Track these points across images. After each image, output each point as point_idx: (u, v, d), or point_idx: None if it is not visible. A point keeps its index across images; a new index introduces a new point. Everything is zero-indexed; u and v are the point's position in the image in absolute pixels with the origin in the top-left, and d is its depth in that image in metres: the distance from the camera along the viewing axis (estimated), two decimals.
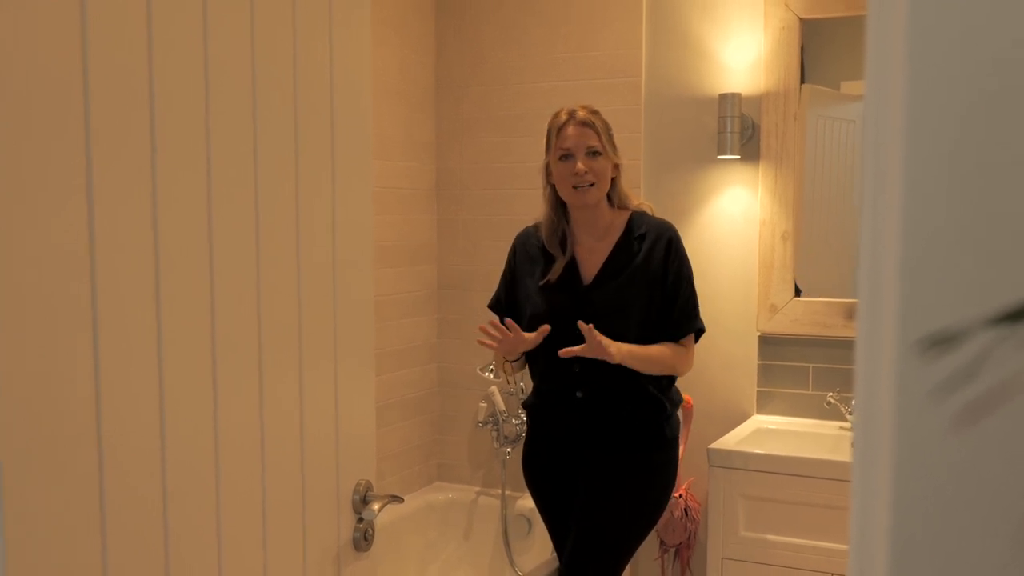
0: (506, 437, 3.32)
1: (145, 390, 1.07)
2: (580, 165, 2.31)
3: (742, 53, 2.97)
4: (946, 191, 0.40)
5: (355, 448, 1.45)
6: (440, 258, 3.48)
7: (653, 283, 2.34)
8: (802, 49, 2.93)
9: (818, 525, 2.52)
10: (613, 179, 2.39)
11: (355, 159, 1.43)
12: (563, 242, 2.43)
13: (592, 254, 2.41)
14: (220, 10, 1.15)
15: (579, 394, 2.37)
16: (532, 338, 2.32)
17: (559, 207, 2.43)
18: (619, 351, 2.24)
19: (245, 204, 1.21)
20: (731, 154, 2.94)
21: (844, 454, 2.68)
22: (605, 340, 2.22)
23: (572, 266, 2.41)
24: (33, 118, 0.93)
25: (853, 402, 2.99)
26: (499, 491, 3.34)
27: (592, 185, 2.33)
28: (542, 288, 2.41)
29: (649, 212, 2.46)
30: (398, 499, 1.52)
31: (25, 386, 0.93)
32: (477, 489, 3.45)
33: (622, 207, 2.44)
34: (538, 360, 2.44)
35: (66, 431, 0.98)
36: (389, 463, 3.26)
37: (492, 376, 3.30)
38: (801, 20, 2.89)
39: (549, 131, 2.40)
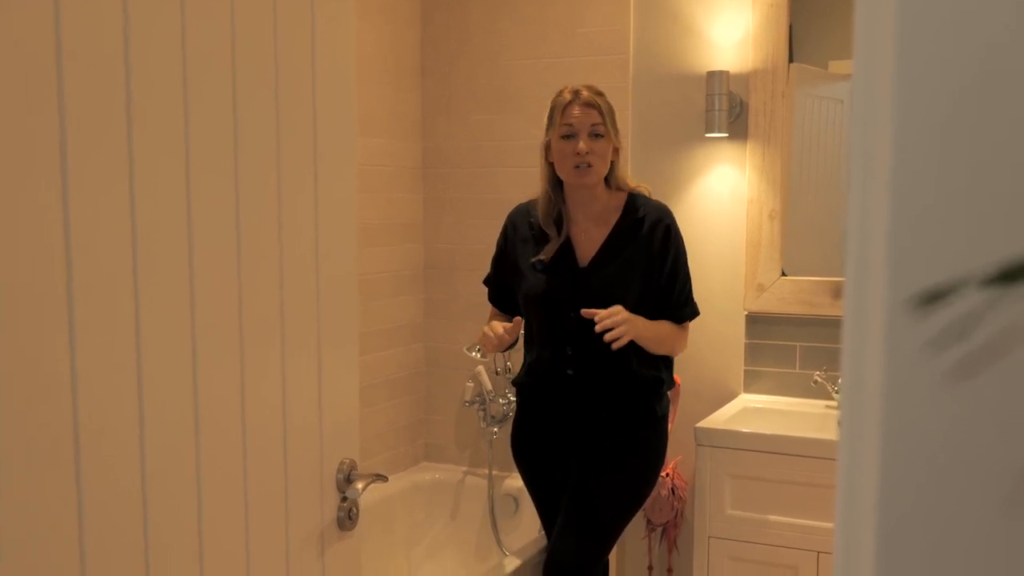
0: (493, 417, 3.31)
1: (123, 369, 1.05)
2: (582, 145, 2.30)
3: (730, 30, 2.95)
4: (936, 148, 0.39)
5: (339, 427, 1.44)
6: (426, 237, 3.46)
7: (650, 267, 2.34)
8: (790, 28, 2.91)
9: (805, 504, 2.53)
10: (612, 161, 2.38)
11: (338, 137, 1.41)
12: (558, 222, 2.41)
13: (588, 236, 2.39)
14: None
15: (570, 371, 2.38)
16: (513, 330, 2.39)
17: (556, 186, 2.41)
18: (633, 327, 2.25)
19: (225, 184, 1.19)
20: (719, 132, 2.92)
21: (831, 433, 2.68)
22: (624, 313, 2.24)
23: (568, 247, 2.40)
24: (6, 107, 0.91)
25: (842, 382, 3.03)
26: (486, 471, 3.33)
27: (591, 166, 2.31)
28: (536, 268, 2.40)
29: (647, 194, 2.45)
30: (382, 478, 1.51)
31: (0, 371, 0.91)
32: (464, 469, 3.45)
33: (619, 189, 2.42)
34: (531, 339, 2.45)
35: (43, 412, 0.96)
36: (375, 443, 3.25)
37: (479, 356, 3.29)
38: None
39: (552, 109, 2.38)
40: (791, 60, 2.91)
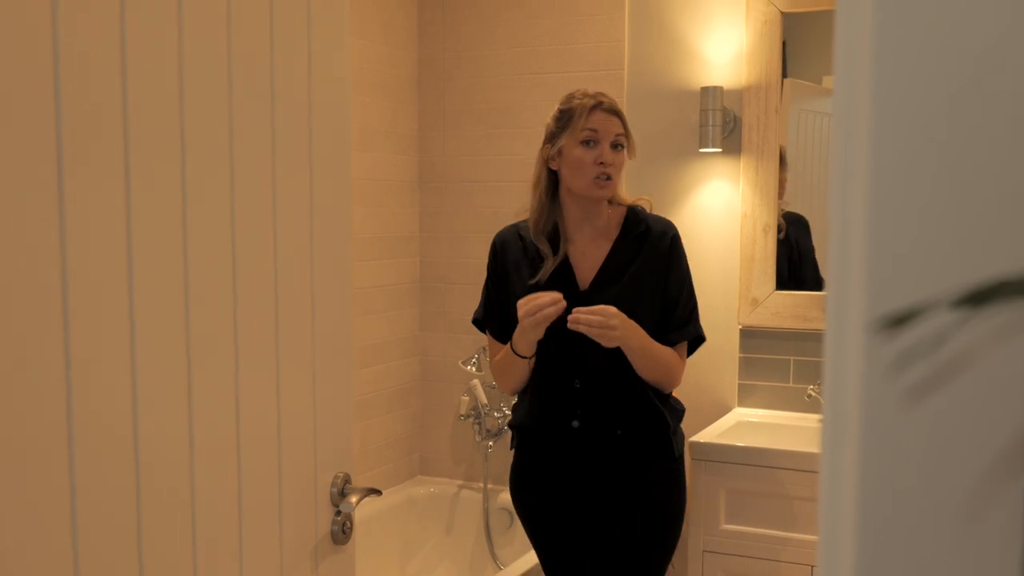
0: (488, 430, 3.31)
1: (118, 383, 1.05)
2: (608, 154, 2.09)
3: (724, 47, 2.97)
4: (911, 173, 0.40)
5: (333, 440, 1.45)
6: (422, 251, 3.47)
7: (655, 287, 2.12)
8: (784, 43, 2.93)
9: (799, 518, 2.53)
10: None
11: (333, 150, 1.42)
12: (552, 239, 2.17)
13: (587, 255, 2.16)
14: (196, 2, 1.14)
15: (575, 424, 2.12)
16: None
17: (553, 197, 2.18)
18: (623, 330, 1.99)
19: (221, 195, 1.20)
20: (713, 147, 2.94)
21: None
22: (611, 310, 1.98)
23: (565, 268, 2.15)
24: (3, 112, 0.92)
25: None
26: (481, 484, 3.33)
27: (610, 179, 2.10)
28: (534, 290, 2.11)
29: (647, 208, 2.24)
30: (376, 492, 1.51)
31: None
32: (459, 482, 3.45)
33: (617, 203, 2.21)
34: (533, 373, 2.17)
35: (37, 424, 0.97)
36: (370, 457, 3.25)
37: (474, 370, 3.29)
38: (783, 14, 2.90)
39: (569, 112, 2.12)
40: (785, 75, 2.93)
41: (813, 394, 2.89)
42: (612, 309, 1.99)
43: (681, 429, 2.24)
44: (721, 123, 2.93)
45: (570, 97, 2.15)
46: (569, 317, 1.99)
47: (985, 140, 0.41)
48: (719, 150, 2.96)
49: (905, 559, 0.41)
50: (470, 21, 3.31)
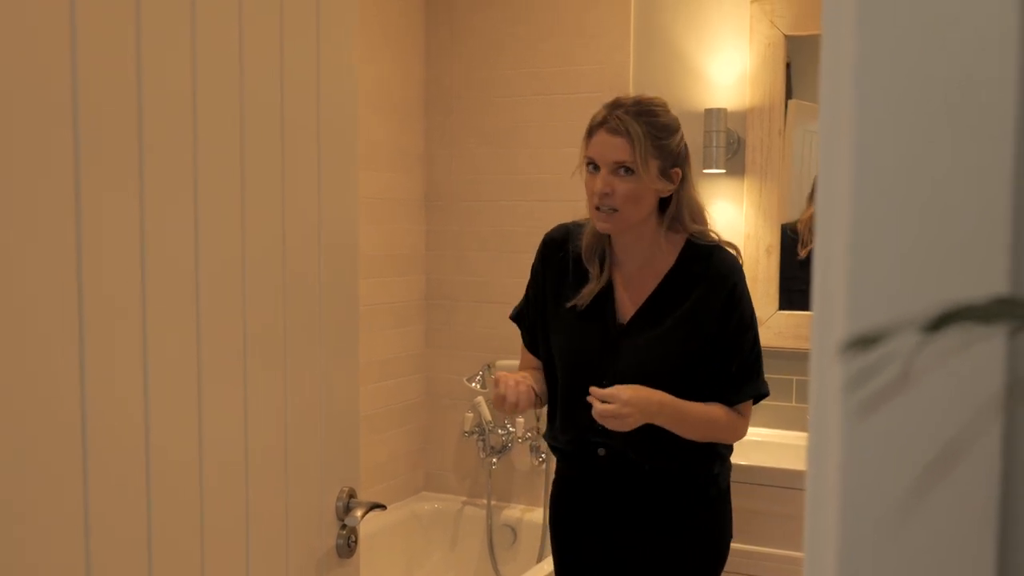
0: (492, 447, 3.33)
1: (130, 399, 1.08)
2: (600, 183, 1.80)
3: (728, 69, 3.01)
4: (889, 206, 0.43)
5: (339, 455, 1.47)
6: (428, 269, 3.50)
7: (704, 338, 1.84)
8: (789, 65, 2.96)
9: (801, 536, 2.54)
10: (673, 196, 1.86)
11: (341, 168, 1.44)
12: (603, 259, 1.92)
13: (632, 286, 1.90)
14: (208, 21, 1.17)
15: (601, 452, 1.91)
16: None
17: None
18: (641, 410, 1.76)
19: (232, 213, 1.23)
20: (716, 168, 2.97)
21: None
22: (630, 393, 1.75)
23: (608, 296, 1.90)
24: (22, 121, 0.95)
25: None
26: (485, 501, 3.35)
27: (616, 211, 1.80)
28: (572, 314, 1.91)
29: (712, 237, 1.90)
30: (381, 507, 1.53)
31: (9, 386, 0.94)
32: (463, 499, 3.46)
33: (676, 229, 1.89)
34: (556, 396, 1.96)
35: (51, 444, 0.99)
36: (375, 473, 3.27)
37: (479, 387, 3.31)
38: (786, 37, 2.93)
39: (587, 129, 1.87)
40: (789, 96, 2.97)
41: None
42: (626, 394, 1.75)
43: (727, 465, 2.00)
44: (725, 144, 2.96)
45: (601, 107, 1.87)
46: (588, 398, 1.79)
47: (959, 168, 0.43)
48: (723, 171, 2.98)
49: (874, 557, 0.44)
50: (476, 42, 3.35)
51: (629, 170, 1.79)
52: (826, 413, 0.42)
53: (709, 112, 2.96)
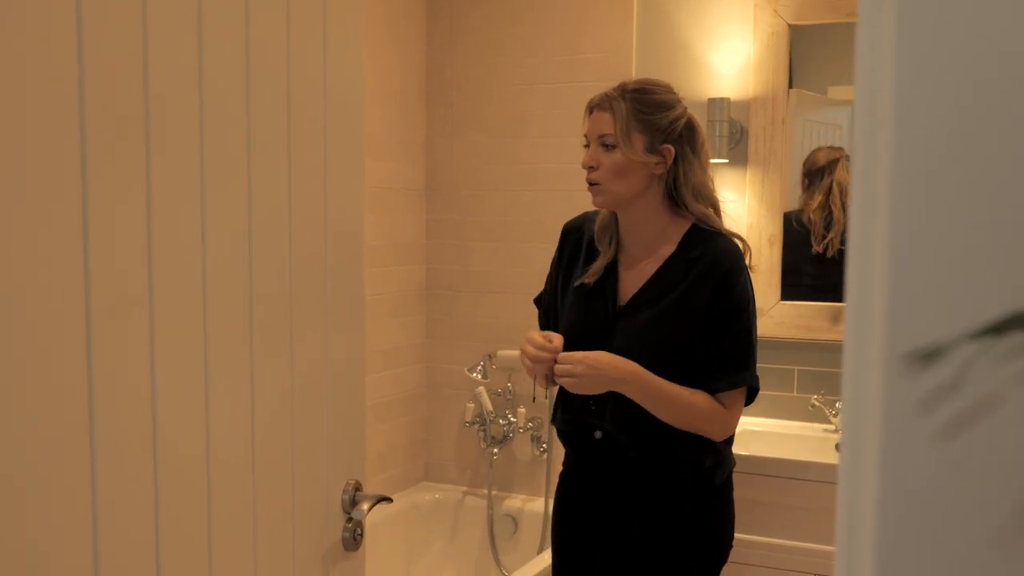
0: (493, 437, 3.33)
1: (137, 390, 1.07)
2: (585, 157, 1.88)
3: (731, 58, 2.99)
4: (932, 205, 0.42)
5: (345, 448, 1.46)
6: (428, 258, 3.49)
7: (694, 323, 1.84)
8: (790, 54, 2.95)
9: (802, 526, 2.54)
10: (669, 174, 1.88)
11: (347, 157, 1.43)
12: (611, 242, 1.97)
13: (635, 268, 1.93)
14: (215, 10, 1.15)
15: (597, 435, 1.92)
16: None
17: None
18: (595, 378, 1.81)
19: (239, 206, 1.22)
20: (719, 158, 2.96)
21: (828, 456, 2.70)
22: (578, 356, 1.81)
23: (612, 277, 1.94)
24: (30, 120, 0.94)
25: (839, 406, 2.96)
26: (486, 491, 3.35)
27: (598, 184, 1.86)
28: (578, 292, 1.96)
29: (716, 222, 1.92)
30: (387, 499, 1.53)
31: (17, 375, 0.94)
32: (464, 489, 3.46)
33: (684, 214, 1.91)
34: (561, 387, 1.95)
35: (61, 426, 0.98)
36: (376, 463, 3.27)
37: (480, 377, 3.31)
38: (790, 26, 2.91)
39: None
40: (791, 86, 2.95)
41: (817, 404, 2.90)
42: (578, 355, 1.82)
43: (731, 456, 1.99)
44: (728, 134, 2.95)
45: None
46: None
47: (1008, 165, 0.42)
48: (726, 161, 2.97)
49: None
50: (478, 31, 3.33)
51: (610, 145, 1.84)
52: (867, 427, 0.40)
53: (712, 101, 2.95)
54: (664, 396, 1.82)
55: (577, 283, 1.96)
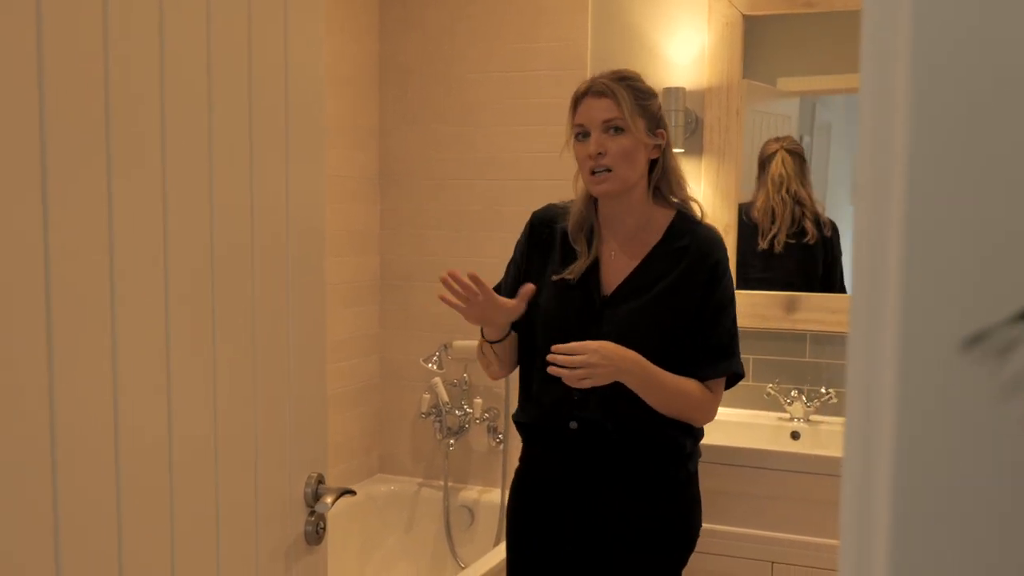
0: (449, 428, 3.31)
1: (99, 383, 1.04)
2: (593, 145, 1.83)
3: (686, 48, 3.00)
4: (950, 189, 0.41)
5: (307, 441, 1.44)
6: (382, 248, 3.45)
7: (684, 312, 1.86)
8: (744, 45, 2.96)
9: (758, 514, 2.57)
10: (656, 163, 1.90)
11: (309, 146, 1.41)
12: (590, 238, 1.94)
13: (617, 260, 1.92)
14: (176, 2, 1.12)
15: (573, 425, 1.90)
16: (512, 305, 1.87)
17: (590, 198, 1.94)
18: (611, 366, 1.77)
19: (200, 196, 1.19)
20: (676, 148, 2.96)
21: (783, 444, 2.73)
22: (600, 350, 1.77)
23: (594, 270, 1.92)
24: None
25: (794, 394, 2.93)
26: (441, 483, 3.33)
27: (610, 170, 1.83)
28: (557, 286, 1.92)
29: (697, 212, 1.95)
30: (351, 492, 1.51)
31: None
32: (419, 481, 3.44)
33: (666, 204, 1.93)
34: (531, 371, 1.96)
35: (19, 427, 0.94)
36: (330, 455, 3.23)
37: (435, 368, 3.28)
38: (744, 16, 2.93)
39: (571, 104, 1.91)
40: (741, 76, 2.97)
41: (772, 392, 2.92)
42: (591, 345, 1.78)
43: (698, 449, 2.02)
44: (683, 124, 2.95)
45: (582, 82, 1.92)
46: (548, 357, 1.79)
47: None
48: (681, 151, 2.98)
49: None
50: (432, 15, 3.29)
51: (619, 128, 1.83)
52: (880, 415, 0.39)
53: (668, 91, 2.95)
54: (662, 384, 1.83)
55: (556, 278, 1.93)
